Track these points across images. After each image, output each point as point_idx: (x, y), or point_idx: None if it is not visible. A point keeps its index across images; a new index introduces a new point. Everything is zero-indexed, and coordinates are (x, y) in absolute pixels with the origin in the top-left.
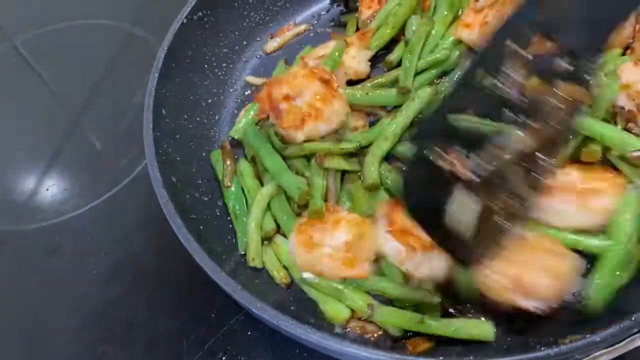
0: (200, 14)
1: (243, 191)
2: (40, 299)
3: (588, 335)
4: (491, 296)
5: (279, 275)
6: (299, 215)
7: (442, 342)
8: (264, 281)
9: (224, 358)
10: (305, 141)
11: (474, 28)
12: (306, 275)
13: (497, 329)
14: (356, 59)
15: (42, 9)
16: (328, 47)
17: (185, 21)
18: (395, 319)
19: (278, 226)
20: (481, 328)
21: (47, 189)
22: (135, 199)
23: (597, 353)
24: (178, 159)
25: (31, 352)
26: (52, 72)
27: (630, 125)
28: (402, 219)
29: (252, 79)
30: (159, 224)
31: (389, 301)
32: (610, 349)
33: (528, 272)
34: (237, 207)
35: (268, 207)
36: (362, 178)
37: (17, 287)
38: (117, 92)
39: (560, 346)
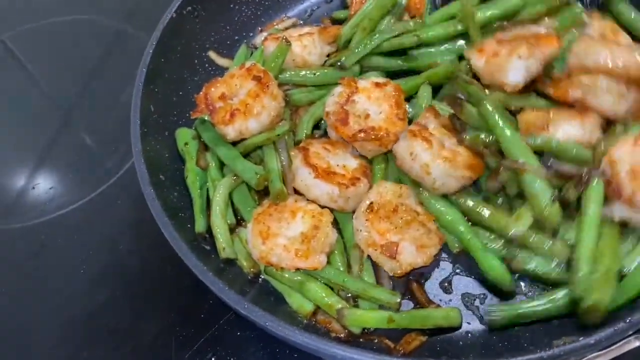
0: (190, 7)
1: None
2: (25, 300)
3: (582, 338)
4: (361, 246)
5: (247, 265)
6: (260, 205)
7: (432, 340)
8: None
9: (213, 358)
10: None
11: (483, 56)
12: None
13: (490, 331)
14: (307, 49)
15: (31, 4)
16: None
17: (174, 15)
18: (364, 321)
19: (237, 219)
20: (448, 316)
21: (33, 187)
22: (122, 197)
23: (591, 355)
24: (166, 155)
25: (15, 354)
26: (41, 68)
27: None
28: (319, 161)
29: (214, 56)
30: (146, 222)
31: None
32: (605, 351)
33: (402, 238)
34: (199, 184)
35: (230, 199)
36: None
37: (1, 288)
38: (106, 88)
39: (553, 348)
